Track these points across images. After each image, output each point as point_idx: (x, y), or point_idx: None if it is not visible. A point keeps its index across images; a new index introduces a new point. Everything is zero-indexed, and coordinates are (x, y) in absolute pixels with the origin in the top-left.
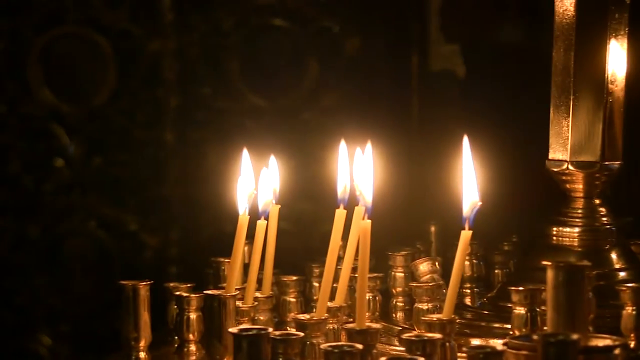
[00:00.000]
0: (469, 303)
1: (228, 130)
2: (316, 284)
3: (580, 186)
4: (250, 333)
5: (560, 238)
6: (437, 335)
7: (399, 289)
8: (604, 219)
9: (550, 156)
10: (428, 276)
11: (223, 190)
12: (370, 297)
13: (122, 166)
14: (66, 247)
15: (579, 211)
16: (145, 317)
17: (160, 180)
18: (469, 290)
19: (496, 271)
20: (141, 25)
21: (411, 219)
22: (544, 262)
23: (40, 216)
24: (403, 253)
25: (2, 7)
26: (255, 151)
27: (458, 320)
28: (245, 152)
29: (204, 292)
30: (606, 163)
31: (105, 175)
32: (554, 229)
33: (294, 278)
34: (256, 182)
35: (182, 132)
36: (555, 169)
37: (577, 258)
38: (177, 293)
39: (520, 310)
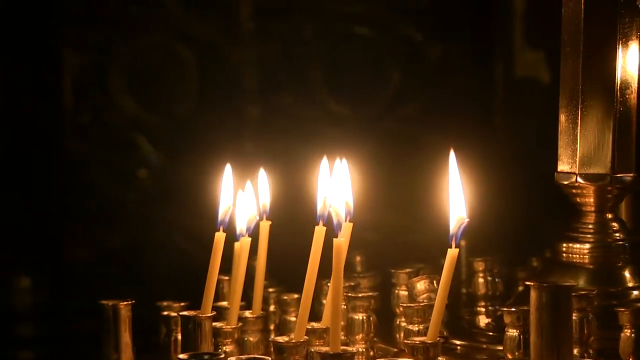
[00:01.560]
0: (482, 323)
1: (309, 139)
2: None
3: (591, 200)
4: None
5: (570, 255)
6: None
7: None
8: (617, 234)
9: (559, 168)
10: (425, 295)
11: (305, 199)
12: (364, 317)
13: (203, 176)
14: (148, 258)
15: (590, 226)
16: (126, 337)
17: None
18: (483, 309)
19: (520, 289)
20: (223, 35)
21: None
22: (527, 282)
23: (123, 226)
24: (406, 271)
25: (89, 18)
26: (335, 159)
27: (460, 343)
28: (228, 167)
29: (180, 313)
30: (617, 175)
31: (188, 186)
32: (564, 245)
33: (295, 296)
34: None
35: (262, 141)
36: (564, 182)
37: (587, 276)
38: (165, 313)
39: (513, 332)
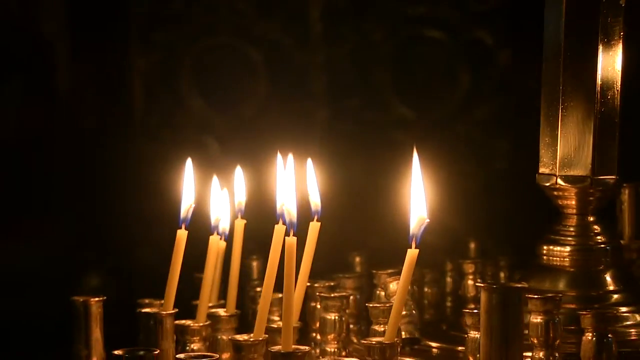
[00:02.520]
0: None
1: (376, 143)
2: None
3: (573, 202)
4: (129, 355)
5: (550, 257)
6: None
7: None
8: (598, 237)
9: (540, 170)
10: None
11: (371, 203)
12: (336, 317)
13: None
14: None
15: (571, 229)
16: (97, 333)
17: None
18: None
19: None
20: (291, 36)
21: None
22: (477, 284)
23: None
24: (388, 271)
25: (158, 19)
26: (403, 163)
27: (436, 345)
28: (189, 162)
29: (140, 310)
30: (599, 178)
31: (254, 187)
32: (544, 247)
33: (279, 296)
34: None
35: (329, 144)
36: (545, 184)
37: (567, 279)
38: (143, 310)
39: (474, 334)
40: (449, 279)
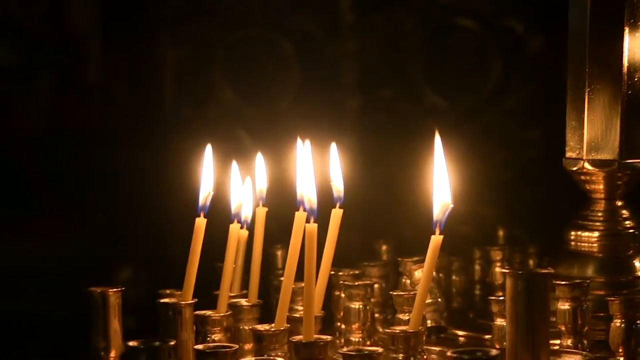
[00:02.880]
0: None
1: (409, 133)
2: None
3: (601, 187)
4: (145, 346)
5: (578, 243)
6: (378, 350)
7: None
8: (627, 222)
9: (567, 154)
10: None
11: (402, 192)
12: (360, 306)
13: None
14: None
15: (599, 214)
16: (115, 325)
17: None
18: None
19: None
20: (322, 27)
21: None
22: (502, 270)
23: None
24: (414, 259)
25: (189, 10)
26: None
27: (462, 333)
28: (208, 149)
29: (159, 300)
30: (627, 161)
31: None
32: (572, 233)
33: (302, 285)
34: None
35: (360, 135)
36: (572, 168)
37: (595, 265)
38: (162, 301)
39: (500, 322)
40: (477, 267)
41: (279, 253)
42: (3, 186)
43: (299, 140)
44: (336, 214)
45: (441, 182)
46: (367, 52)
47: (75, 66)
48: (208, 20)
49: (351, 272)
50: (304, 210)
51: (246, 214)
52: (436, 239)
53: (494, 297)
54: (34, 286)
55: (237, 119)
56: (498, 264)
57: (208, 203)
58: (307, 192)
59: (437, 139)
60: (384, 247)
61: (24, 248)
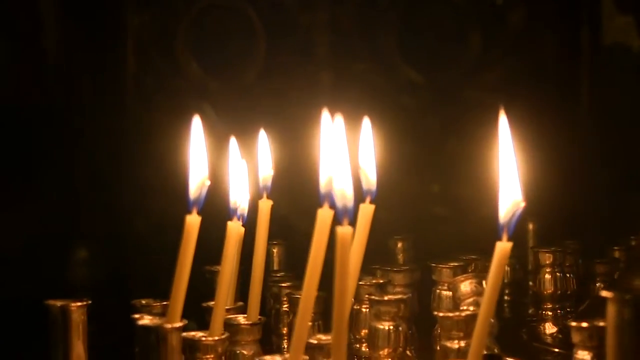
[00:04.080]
0: (547, 333)
1: (383, 108)
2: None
3: None
4: None
5: None
6: None
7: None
8: None
9: None
10: (471, 299)
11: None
12: (390, 327)
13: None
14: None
15: None
16: (79, 349)
17: None
18: (550, 313)
19: (598, 285)
20: None
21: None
22: (604, 293)
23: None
24: (451, 265)
25: None
26: (414, 130)
27: None
28: (196, 121)
29: (139, 322)
30: None
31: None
32: None
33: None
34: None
35: (334, 110)
36: None
37: None
38: (140, 323)
39: (583, 355)
40: (508, 271)
41: (275, 251)
42: None
43: (326, 113)
44: (366, 211)
45: (509, 174)
46: (340, 24)
47: (30, 32)
48: None
49: (374, 281)
50: (332, 207)
51: (243, 207)
52: (503, 247)
53: (575, 324)
54: None
55: (201, 92)
56: (548, 269)
57: (203, 195)
58: (340, 184)
59: (503, 119)
60: (399, 245)
61: None
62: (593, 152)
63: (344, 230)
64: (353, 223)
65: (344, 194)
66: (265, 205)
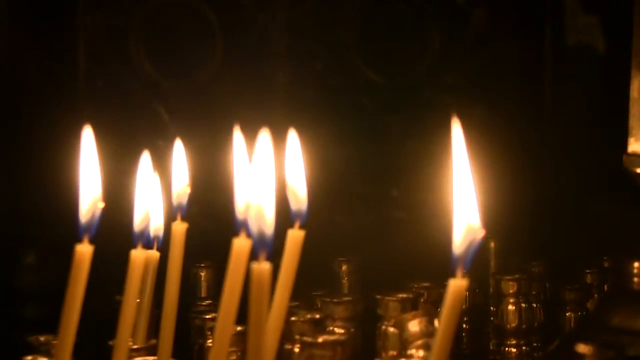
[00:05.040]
0: None
1: (342, 109)
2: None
3: None
4: None
5: None
6: None
7: (392, 353)
8: None
9: (630, 149)
10: (420, 341)
11: (343, 179)
12: None
13: (219, 148)
14: None
15: None
16: None
17: None
18: (514, 349)
19: (567, 315)
20: None
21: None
22: (581, 348)
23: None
24: (400, 297)
25: None
26: (370, 132)
27: None
28: (87, 132)
29: None
30: None
31: (205, 158)
32: (636, 265)
33: (238, 329)
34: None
35: (291, 111)
36: (636, 169)
37: None
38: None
39: None
40: (467, 297)
41: (203, 275)
42: None
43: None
44: (295, 237)
45: (464, 193)
46: (297, 22)
47: None
48: None
49: (309, 316)
50: (249, 236)
51: (157, 228)
52: (458, 285)
53: None
54: None
55: (154, 92)
56: (511, 299)
57: (96, 218)
58: (257, 207)
59: (456, 128)
60: (344, 268)
61: None
62: (557, 157)
63: (260, 267)
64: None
65: (262, 221)
66: (179, 229)
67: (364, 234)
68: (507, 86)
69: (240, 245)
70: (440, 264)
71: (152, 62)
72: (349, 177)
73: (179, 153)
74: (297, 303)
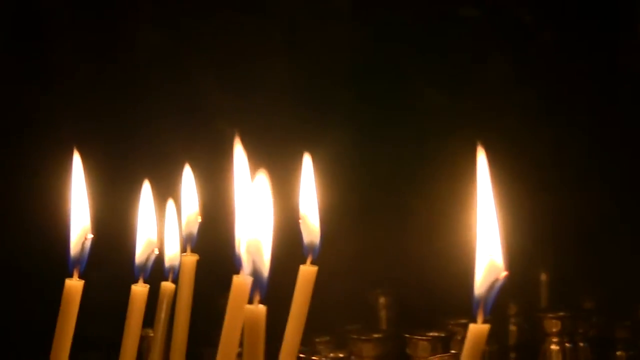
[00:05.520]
0: None
1: (405, 130)
2: None
3: None
4: None
5: None
6: None
7: None
8: None
9: None
10: None
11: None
12: None
13: None
14: None
15: None
16: None
17: None
18: None
19: (619, 354)
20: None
21: None
22: None
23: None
24: (430, 335)
25: None
26: (434, 157)
27: None
28: (76, 160)
29: None
30: None
31: None
32: None
33: None
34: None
35: (354, 130)
36: None
37: None
38: None
39: None
40: (513, 331)
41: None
42: None
43: (237, 147)
44: (307, 273)
45: (487, 229)
46: (358, 43)
47: None
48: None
49: (332, 355)
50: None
51: (172, 258)
52: (479, 330)
53: None
54: None
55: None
56: (554, 338)
57: (86, 252)
58: (250, 247)
59: (481, 155)
60: (381, 300)
61: None
62: (624, 184)
63: (253, 310)
64: None
65: (258, 258)
66: (189, 261)
67: (403, 265)
68: (575, 108)
69: (240, 283)
70: None
71: (216, 79)
72: (405, 197)
73: (188, 179)
74: (327, 338)
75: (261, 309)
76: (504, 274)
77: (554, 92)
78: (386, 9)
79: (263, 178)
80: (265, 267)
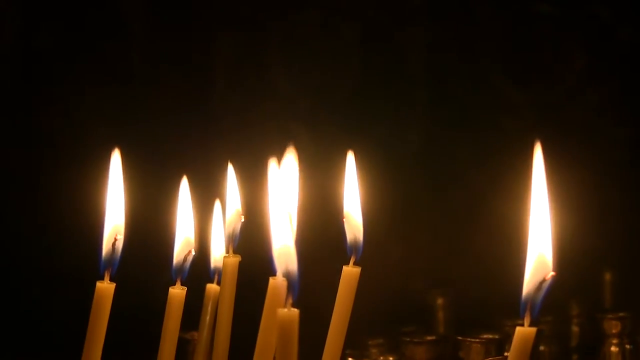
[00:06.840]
0: None
1: (481, 128)
2: None
3: None
4: None
5: None
6: None
7: None
8: None
9: None
10: None
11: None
12: None
13: None
14: None
15: None
16: None
17: None
18: None
19: None
20: (389, 13)
21: None
22: None
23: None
24: (484, 338)
25: None
26: (514, 154)
27: None
28: (115, 157)
29: None
30: None
31: None
32: None
33: None
34: None
35: (428, 130)
36: None
37: None
38: None
39: None
40: (575, 332)
41: None
42: None
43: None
44: (350, 276)
45: (540, 227)
46: (436, 41)
47: None
48: (265, 2)
49: (381, 358)
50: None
51: (218, 259)
52: (525, 333)
53: None
54: None
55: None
56: (614, 340)
57: (118, 254)
58: (280, 247)
59: (537, 153)
60: (439, 301)
61: None
62: None
63: (286, 315)
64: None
65: (288, 260)
66: (231, 262)
67: (463, 265)
68: None
69: (276, 285)
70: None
71: (289, 79)
72: (487, 199)
73: (231, 178)
74: (380, 340)
75: (294, 312)
76: (551, 274)
77: (632, 90)
78: (462, 6)
79: (292, 158)
80: (295, 270)
